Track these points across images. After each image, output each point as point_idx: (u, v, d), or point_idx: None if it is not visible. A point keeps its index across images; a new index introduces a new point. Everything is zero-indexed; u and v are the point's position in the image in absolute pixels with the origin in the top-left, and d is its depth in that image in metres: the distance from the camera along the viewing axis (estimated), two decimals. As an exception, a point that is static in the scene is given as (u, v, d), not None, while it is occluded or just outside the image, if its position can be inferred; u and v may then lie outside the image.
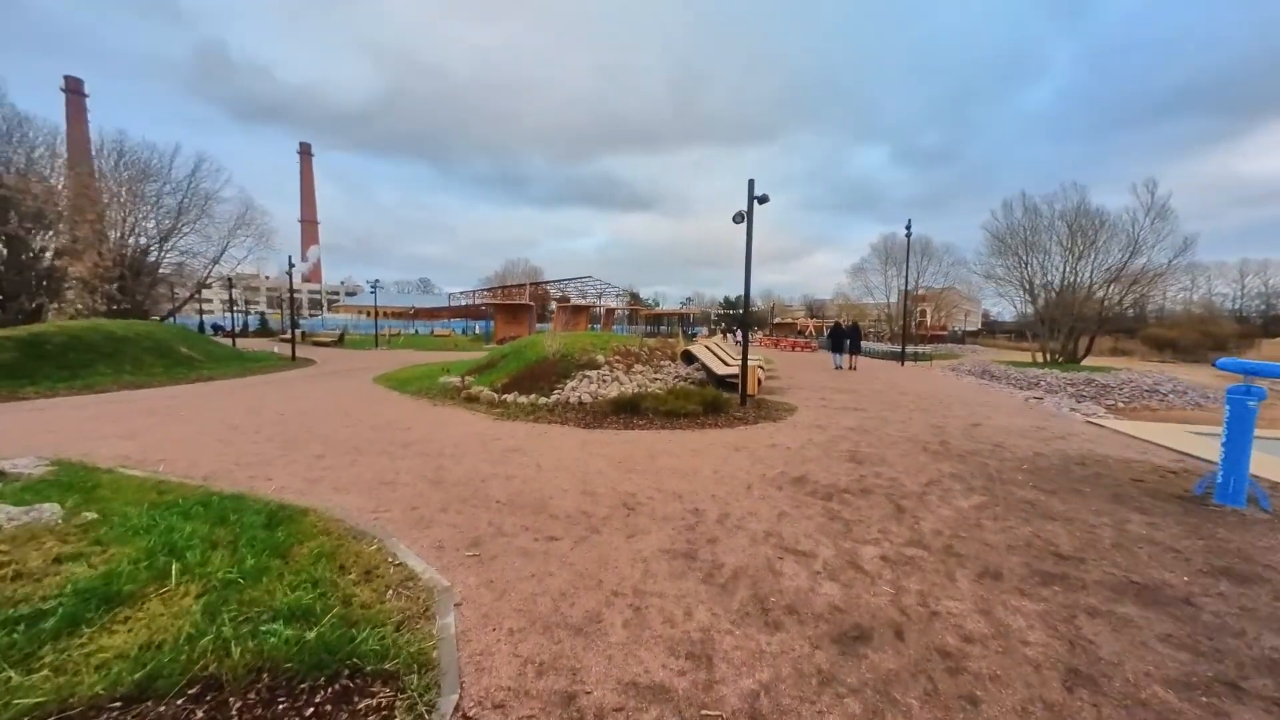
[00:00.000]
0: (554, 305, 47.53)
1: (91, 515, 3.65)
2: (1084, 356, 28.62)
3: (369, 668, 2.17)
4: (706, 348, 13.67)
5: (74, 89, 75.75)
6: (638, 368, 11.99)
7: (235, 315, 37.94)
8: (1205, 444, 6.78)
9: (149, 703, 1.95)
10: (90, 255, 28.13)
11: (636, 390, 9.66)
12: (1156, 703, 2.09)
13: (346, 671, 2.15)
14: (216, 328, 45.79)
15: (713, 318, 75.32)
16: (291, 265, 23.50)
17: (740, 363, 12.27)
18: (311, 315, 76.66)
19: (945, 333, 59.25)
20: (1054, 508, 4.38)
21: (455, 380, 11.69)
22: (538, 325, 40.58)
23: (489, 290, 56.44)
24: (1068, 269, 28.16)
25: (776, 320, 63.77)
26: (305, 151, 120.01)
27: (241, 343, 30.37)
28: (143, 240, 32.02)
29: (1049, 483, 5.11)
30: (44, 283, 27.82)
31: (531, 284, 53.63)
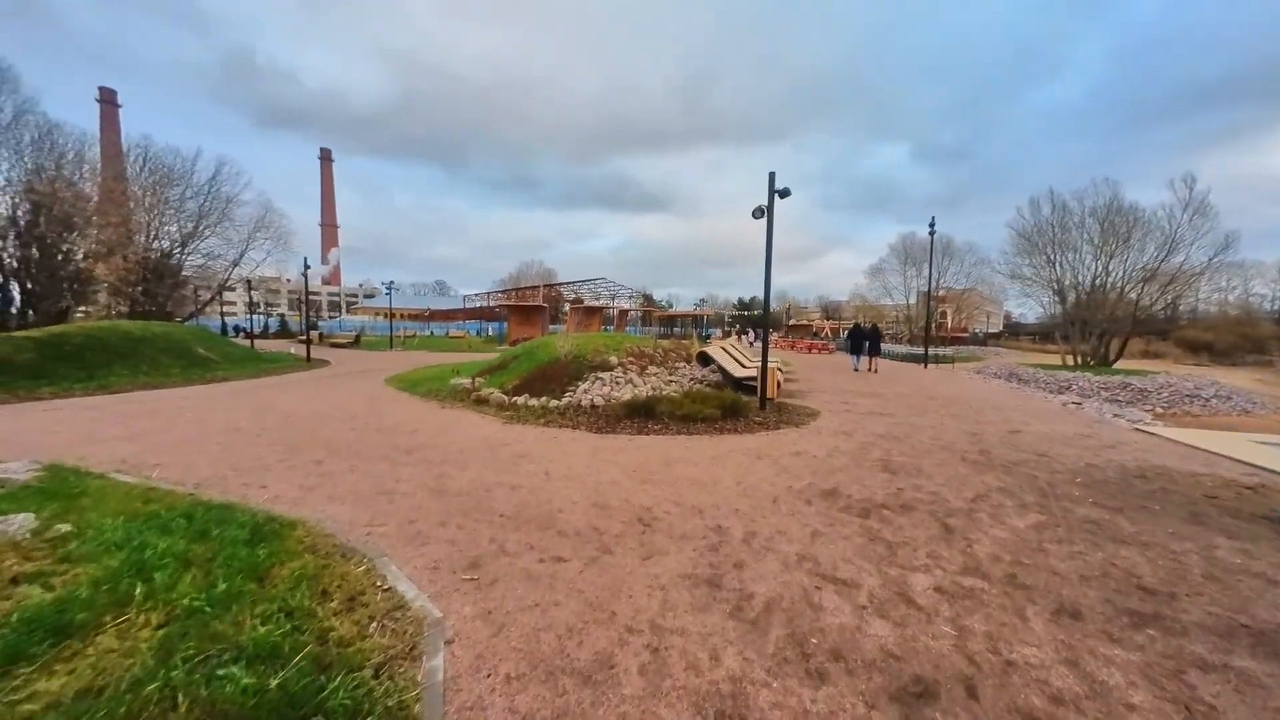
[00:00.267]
0: (567, 307, 47.39)
1: (65, 528, 3.38)
2: (1116, 359, 27.45)
3: (337, 728, 1.82)
4: (723, 349, 13.24)
5: (108, 99, 78.30)
6: (652, 370, 11.61)
7: (255, 317, 38.53)
8: (1278, 456, 6.16)
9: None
10: (116, 258, 28.71)
11: (651, 393, 9.28)
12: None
13: (309, 732, 1.80)
14: (237, 329, 46.60)
15: (726, 319, 74.59)
16: (307, 267, 23.63)
17: (759, 365, 11.82)
18: (331, 317, 77.86)
19: (966, 335, 57.75)
20: (1123, 529, 3.88)
21: (465, 382, 11.44)
22: (551, 327, 40.46)
23: (503, 292, 56.59)
24: (1099, 268, 27.06)
25: (791, 321, 62.84)
26: (325, 157, 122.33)
27: (260, 344, 30.74)
28: (165, 243, 32.67)
29: (1110, 498, 4.59)
30: (72, 285, 28.48)
31: (545, 285, 53.62)
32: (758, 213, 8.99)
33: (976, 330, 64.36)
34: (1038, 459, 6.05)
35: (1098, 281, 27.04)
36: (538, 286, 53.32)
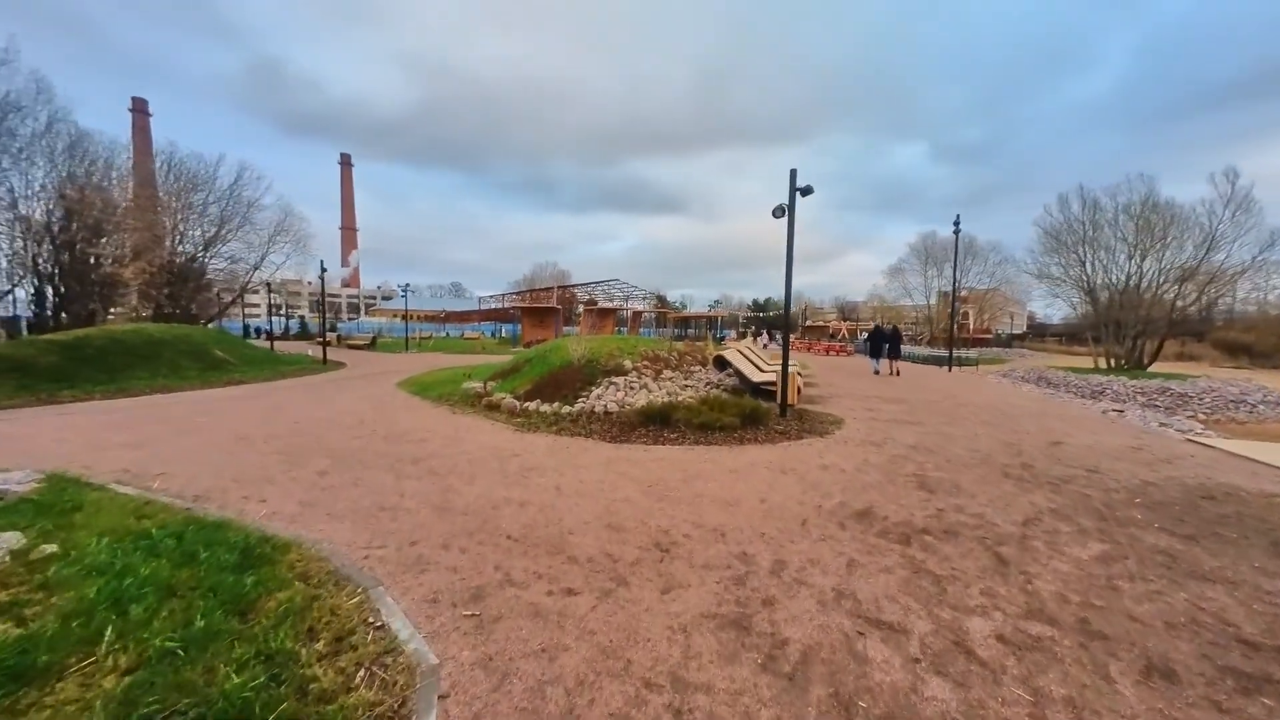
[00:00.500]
0: (581, 309, 47.30)
1: (51, 549, 3.20)
2: (1151, 362, 26.29)
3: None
4: (740, 352, 12.85)
5: (140, 109, 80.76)
6: (667, 374, 11.29)
7: (275, 319, 39.19)
8: (1360, 473, 5.59)
9: None
10: (141, 262, 29.38)
11: (666, 399, 8.96)
12: None
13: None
14: (258, 331, 47.48)
15: (741, 320, 73.84)
16: (324, 270, 23.83)
17: (778, 369, 11.42)
18: (350, 319, 79.12)
19: (989, 336, 56.17)
20: (1202, 562, 3.45)
21: (477, 385, 11.26)
22: (564, 329, 40.37)
23: (517, 294, 56.78)
24: (1133, 267, 25.94)
25: (808, 323, 61.89)
26: (345, 162, 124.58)
27: (280, 345, 31.17)
28: (189, 247, 33.40)
29: (1179, 524, 4.14)
30: (100, 289, 29.21)
31: (559, 287, 53.65)
32: (778, 211, 8.62)
33: (1000, 331, 62.60)
34: (1088, 475, 5.58)
35: (1131, 281, 25.95)
36: (552, 288, 53.37)
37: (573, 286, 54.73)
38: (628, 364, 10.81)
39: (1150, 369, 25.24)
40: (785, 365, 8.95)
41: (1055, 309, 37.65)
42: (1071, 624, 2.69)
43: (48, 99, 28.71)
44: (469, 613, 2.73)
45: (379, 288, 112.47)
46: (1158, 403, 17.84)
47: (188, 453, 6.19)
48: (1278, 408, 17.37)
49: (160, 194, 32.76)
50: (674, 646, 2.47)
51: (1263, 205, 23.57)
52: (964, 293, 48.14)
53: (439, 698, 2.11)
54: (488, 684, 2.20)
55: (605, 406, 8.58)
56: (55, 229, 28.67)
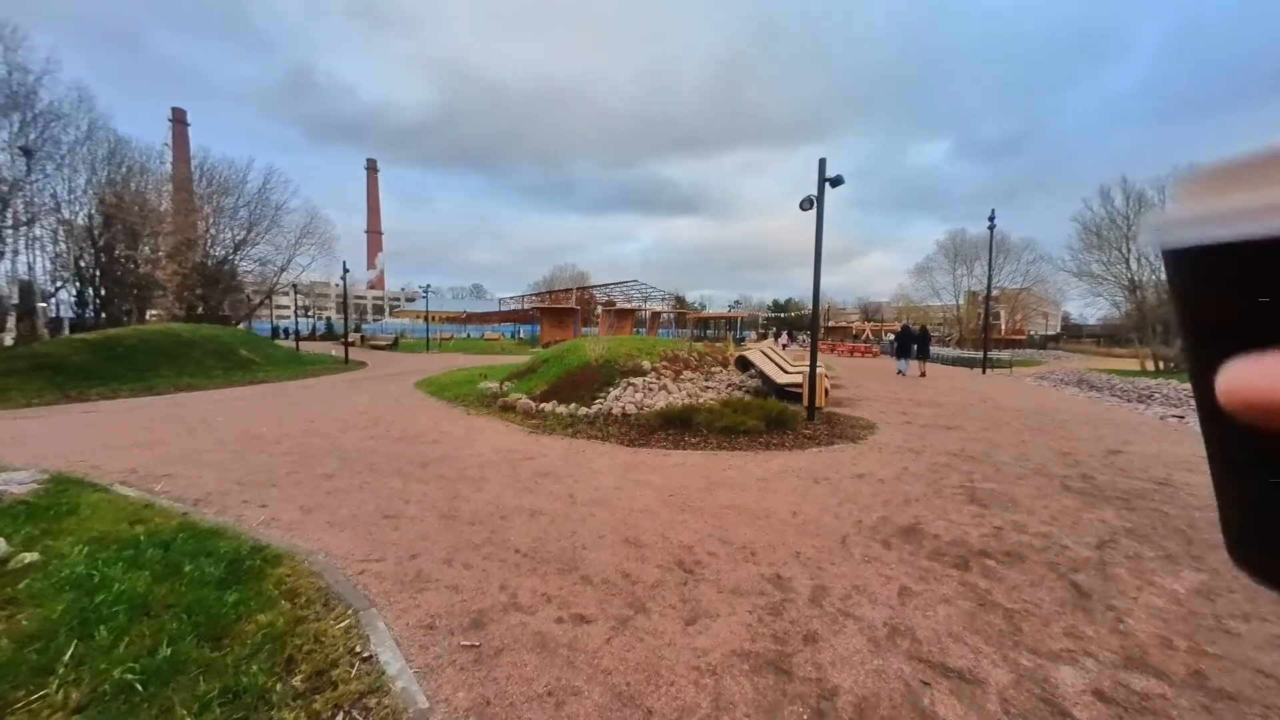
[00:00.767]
0: (599, 309, 47.16)
1: (31, 557, 3.00)
2: (1202, 365, 24.70)
3: None
4: (762, 353, 12.37)
5: (179, 119, 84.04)
6: (687, 375, 10.91)
7: (302, 320, 40.08)
8: None
9: None
10: (173, 265, 30.31)
11: (687, 401, 8.57)
12: None
13: None
14: (285, 331, 48.66)
15: (761, 321, 72.79)
16: (346, 271, 24.13)
17: (804, 370, 10.93)
18: (375, 320, 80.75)
19: (1022, 337, 54.01)
20: (1326, 598, 2.92)
21: (493, 386, 11.06)
22: (583, 329, 40.26)
23: (536, 295, 57.04)
24: (1182, 264, 24.42)
25: (830, 323, 60.56)
26: (371, 167, 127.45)
27: (306, 346, 31.77)
28: (220, 250, 34.37)
29: None
30: (134, 291, 30.23)
31: (578, 288, 53.64)
32: (806, 203, 8.16)
33: (1032, 333, 60.21)
34: (1159, 489, 5.00)
35: (1181, 279, 24.43)
36: (570, 290, 53.40)
37: (591, 287, 54.66)
38: (646, 364, 10.46)
39: (1201, 372, 23.72)
40: (813, 366, 8.46)
41: (1094, 309, 35.89)
42: (1184, 677, 2.22)
43: (88, 107, 29.87)
44: (468, 643, 2.41)
45: (402, 289, 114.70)
46: (1214, 408, 16.63)
47: (198, 453, 6.07)
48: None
49: (194, 199, 33.77)
50: (702, 693, 2.10)
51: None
52: (995, 292, 46.43)
53: (424, 754, 1.78)
54: (483, 737, 1.87)
55: (623, 408, 8.24)
56: (96, 233, 29.83)
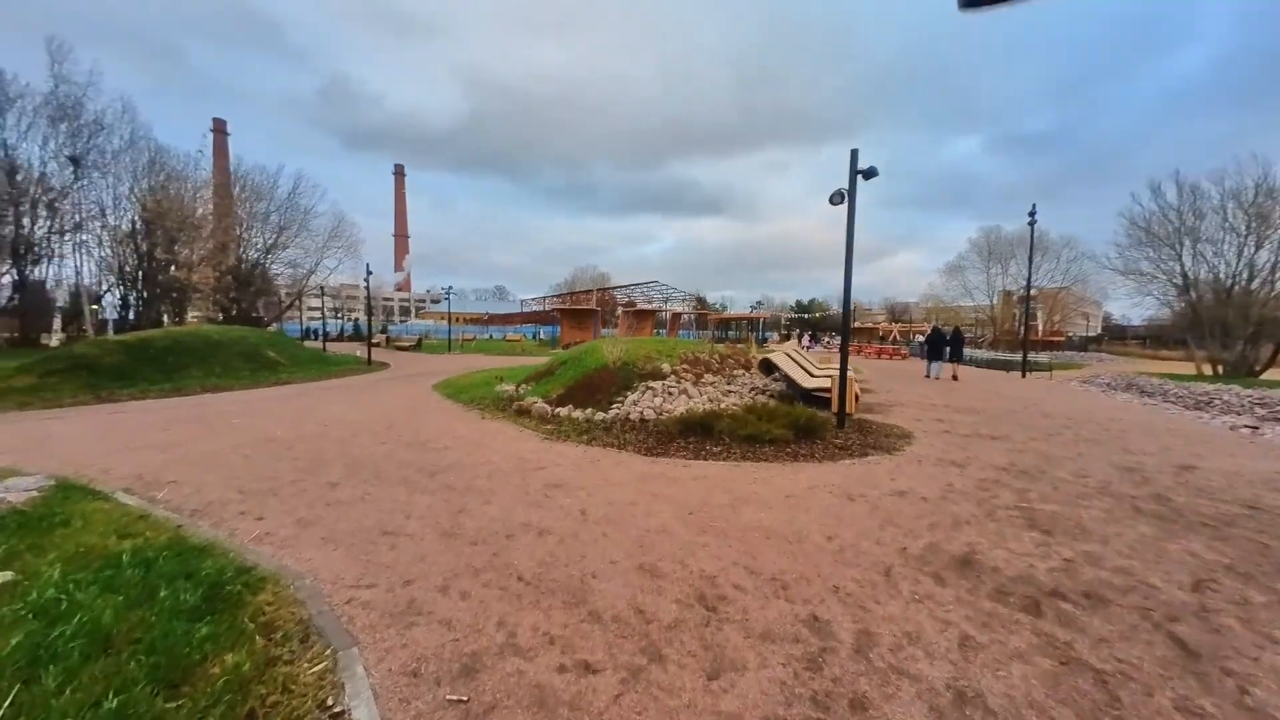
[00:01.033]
0: (619, 310, 46.96)
1: (6, 577, 2.82)
2: (1264, 369, 22.99)
3: None
4: (787, 355, 11.85)
5: (219, 129, 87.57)
6: (708, 378, 10.48)
7: (330, 321, 41.04)
8: None
9: None
10: (207, 268, 31.31)
11: (708, 406, 8.17)
12: None
13: None
14: (313, 333, 49.95)
15: (784, 322, 71.55)
16: (369, 273, 24.45)
17: (832, 373, 10.39)
18: (402, 321, 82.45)
19: (1061, 339, 51.59)
20: None
21: (509, 389, 10.85)
22: (603, 330, 40.10)
23: (558, 296, 57.24)
24: (1242, 262, 22.80)
25: (856, 324, 59.02)
26: (399, 172, 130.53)
27: (334, 347, 32.44)
28: (252, 254, 35.42)
29: None
30: (170, 293, 31.36)
31: (598, 290, 53.58)
32: (836, 197, 7.67)
33: (1071, 334, 57.48)
34: (1250, 515, 4.38)
35: (1241, 277, 22.81)
36: (591, 291, 53.37)
37: (611, 288, 54.55)
38: (666, 367, 10.08)
39: (1263, 376, 22.06)
40: (844, 369, 7.95)
41: (1140, 309, 33.87)
42: (1349, 779, 1.74)
43: (130, 118, 31.15)
44: (455, 696, 2.09)
45: (428, 291, 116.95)
46: (1283, 416, 15.32)
47: (208, 457, 5.97)
48: None
49: (232, 204, 34.88)
50: (729, 779, 1.72)
51: None
52: (1033, 292, 44.44)
53: None
54: (460, 833, 1.53)
55: (641, 414, 7.88)
56: (138, 238, 31.06)
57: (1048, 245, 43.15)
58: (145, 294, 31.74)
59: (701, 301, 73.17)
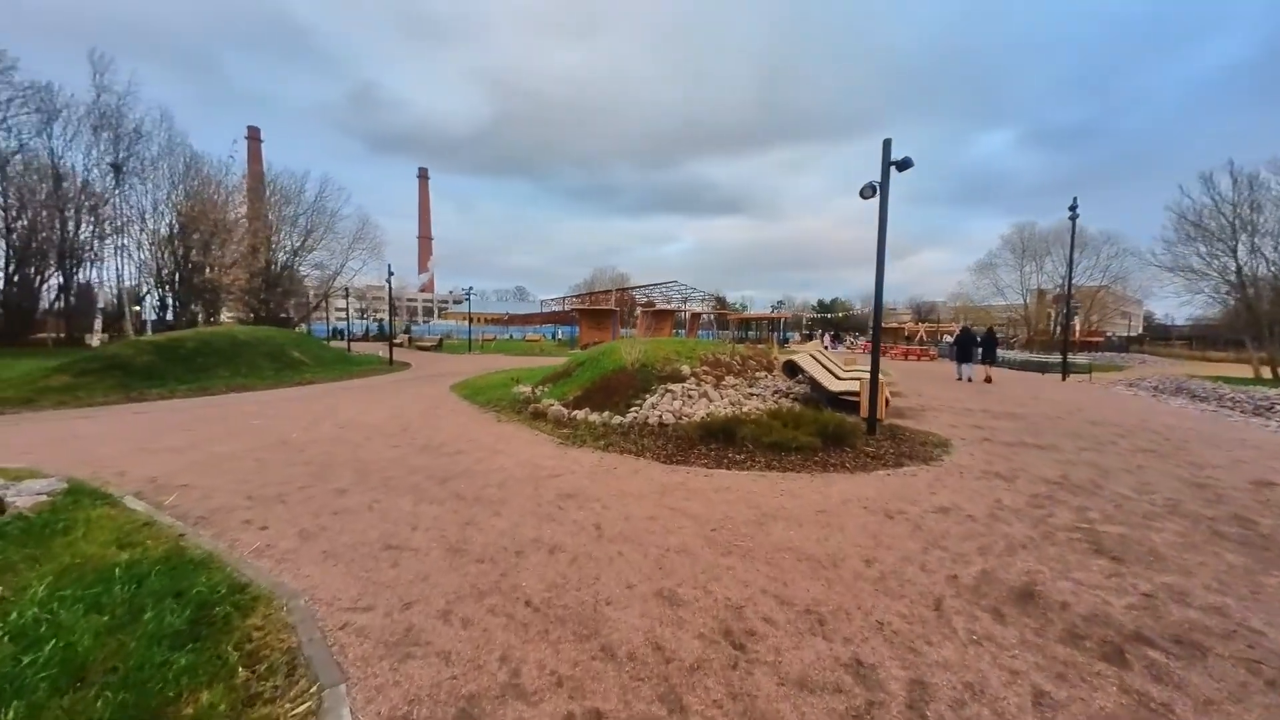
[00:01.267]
0: (638, 310, 46.70)
1: (-6, 591, 2.69)
2: (1331, 371, 21.37)
3: None
4: (812, 357, 11.40)
5: (253, 136, 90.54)
6: (729, 380, 10.13)
7: (360, 321, 41.87)
8: None
9: None
10: (238, 270, 32.22)
11: (730, 410, 7.83)
12: None
13: None
14: (339, 333, 51.08)
15: (805, 322, 70.28)
16: (391, 274, 24.74)
17: (861, 376, 9.93)
18: (426, 321, 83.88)
19: (1099, 339, 49.26)
20: None
21: (526, 390, 10.68)
22: (621, 330, 39.91)
23: (577, 297, 57.30)
24: (1305, 256, 21.22)
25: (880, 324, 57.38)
26: (423, 176, 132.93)
27: (358, 347, 33.05)
28: (281, 256, 36.33)
29: None
30: (202, 295, 32.36)
31: (617, 290, 53.42)
32: (868, 190, 7.24)
33: (1111, 334, 54.88)
34: (1353, 541, 3.85)
35: (1304, 272, 21.24)
36: (610, 291, 53.25)
37: (630, 289, 54.34)
38: (686, 369, 9.77)
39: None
40: (875, 372, 7.51)
41: (1190, 307, 31.98)
42: None
43: (167, 125, 32.28)
44: (447, 751, 1.83)
45: (450, 292, 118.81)
46: (1356, 423, 14.12)
47: (222, 459, 5.91)
48: None
49: (264, 208, 35.85)
50: None
51: None
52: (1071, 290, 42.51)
53: None
54: None
55: (660, 417, 7.59)
56: (175, 242, 32.18)
57: (1086, 241, 41.23)
58: (181, 296, 32.88)
59: (721, 301, 72.39)
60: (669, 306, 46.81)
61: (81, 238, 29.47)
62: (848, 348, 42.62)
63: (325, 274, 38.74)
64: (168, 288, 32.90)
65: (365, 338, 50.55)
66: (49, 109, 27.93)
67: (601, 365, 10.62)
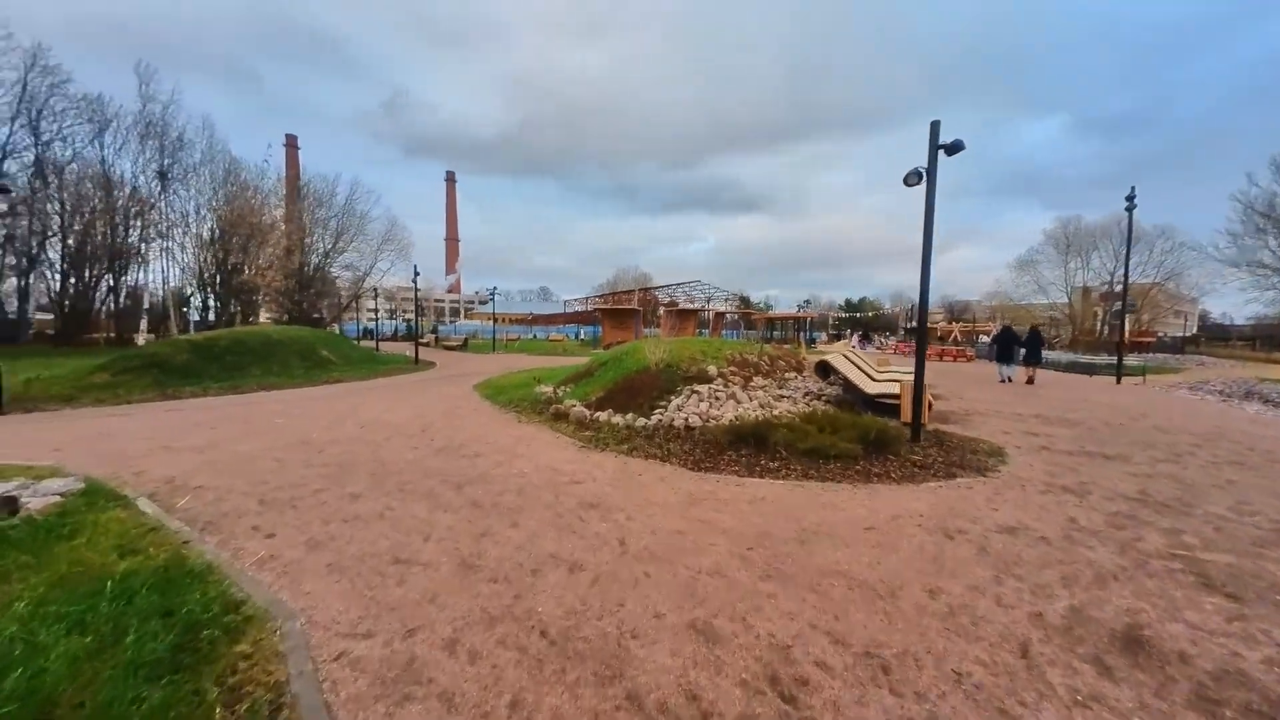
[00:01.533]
0: (661, 310, 46.28)
1: (-20, 604, 2.53)
2: None
3: None
4: (845, 357, 10.82)
5: (291, 143, 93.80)
6: (757, 381, 9.68)
7: (385, 321, 42.75)
8: None
9: None
10: (273, 272, 33.20)
11: (760, 413, 7.40)
12: None
13: None
14: (369, 333, 52.31)
15: (832, 321, 68.58)
16: (417, 274, 25.01)
17: (899, 377, 9.35)
18: (452, 321, 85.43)
19: (1152, 340, 46.38)
20: None
21: (548, 390, 10.44)
22: (644, 330, 39.58)
23: (600, 296, 57.22)
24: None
25: (912, 324, 55.52)
26: (450, 179, 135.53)
27: (386, 346, 33.66)
28: (314, 258, 37.33)
29: None
30: (239, 295, 33.47)
31: (640, 290, 53.11)
32: (914, 177, 6.70)
33: (1163, 334, 51.64)
34: None
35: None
36: (633, 290, 52.97)
37: (653, 288, 53.93)
38: (712, 370, 9.35)
39: None
40: (920, 373, 6.96)
41: (1255, 305, 29.67)
42: None
43: (208, 133, 33.52)
44: (442, 831, 1.52)
45: (476, 293, 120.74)
46: None
47: (241, 460, 5.81)
48: None
49: (300, 212, 36.93)
50: None
51: None
52: (1119, 288, 40.19)
53: None
54: None
55: (686, 420, 7.21)
56: (216, 245, 33.41)
57: (1140, 235, 38.81)
58: (221, 296, 34.12)
59: (745, 301, 71.31)
60: (692, 306, 46.25)
61: (130, 242, 30.83)
62: (877, 348, 41.26)
63: (356, 275, 39.68)
64: (209, 289, 34.21)
65: (394, 337, 51.63)
66: (100, 119, 29.35)
67: (624, 365, 10.30)
